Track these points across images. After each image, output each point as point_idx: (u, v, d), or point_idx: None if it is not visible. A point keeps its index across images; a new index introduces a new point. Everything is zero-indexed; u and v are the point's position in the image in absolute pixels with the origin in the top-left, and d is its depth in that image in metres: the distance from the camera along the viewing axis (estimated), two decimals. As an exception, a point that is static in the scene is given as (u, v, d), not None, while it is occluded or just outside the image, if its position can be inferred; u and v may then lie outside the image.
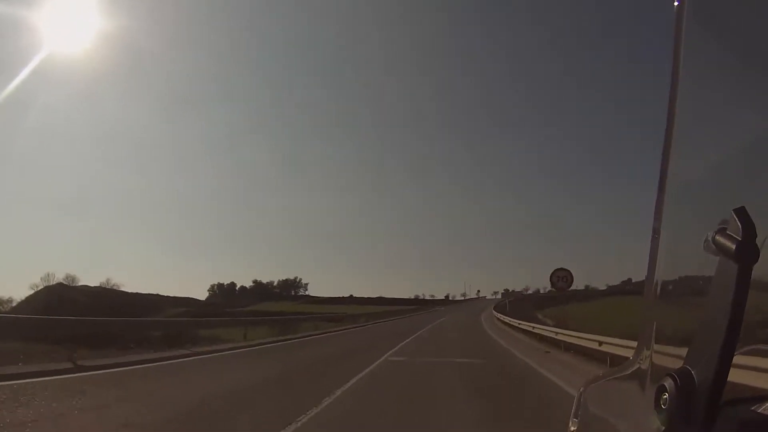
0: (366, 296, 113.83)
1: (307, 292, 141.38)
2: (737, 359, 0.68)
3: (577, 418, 1.06)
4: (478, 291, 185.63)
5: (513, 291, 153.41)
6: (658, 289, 0.85)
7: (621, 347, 10.23)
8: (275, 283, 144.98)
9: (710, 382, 0.66)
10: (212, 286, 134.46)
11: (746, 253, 0.63)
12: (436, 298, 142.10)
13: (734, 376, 0.67)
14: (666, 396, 0.71)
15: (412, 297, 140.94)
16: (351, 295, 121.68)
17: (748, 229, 0.64)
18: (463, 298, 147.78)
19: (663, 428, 0.72)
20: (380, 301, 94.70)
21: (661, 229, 0.85)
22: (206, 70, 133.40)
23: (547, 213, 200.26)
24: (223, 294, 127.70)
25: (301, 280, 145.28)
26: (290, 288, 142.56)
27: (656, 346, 0.85)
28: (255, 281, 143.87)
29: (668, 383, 0.71)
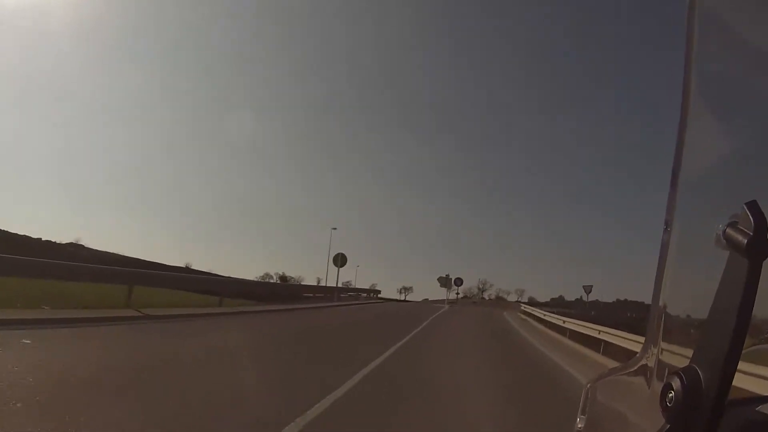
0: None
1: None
2: (745, 358, 0.67)
3: (584, 414, 1.06)
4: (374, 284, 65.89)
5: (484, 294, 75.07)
6: (668, 284, 0.84)
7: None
8: None
9: (717, 381, 0.65)
10: None
11: (757, 247, 0.61)
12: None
13: (741, 375, 0.66)
14: (672, 394, 0.70)
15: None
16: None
17: (760, 223, 0.62)
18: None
19: (668, 426, 0.71)
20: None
21: (672, 223, 0.84)
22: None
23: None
24: None
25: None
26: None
27: (664, 343, 0.83)
28: None
29: (674, 382, 0.70)
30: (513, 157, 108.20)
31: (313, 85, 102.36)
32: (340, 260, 34.46)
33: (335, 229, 42.96)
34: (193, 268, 46.49)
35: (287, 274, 66.25)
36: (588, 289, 35.15)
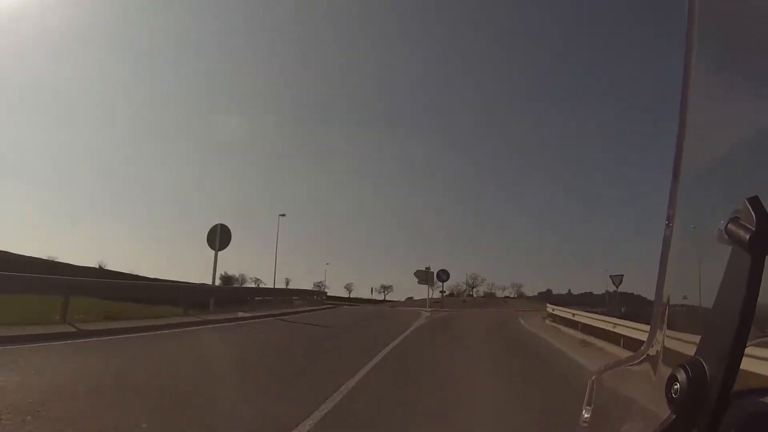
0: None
1: None
2: (749, 351, 0.68)
3: (590, 406, 1.07)
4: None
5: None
6: (671, 278, 0.85)
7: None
8: None
9: (721, 373, 0.66)
10: None
11: (759, 243, 0.62)
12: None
13: (746, 367, 0.67)
14: (677, 386, 0.71)
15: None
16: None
17: (762, 218, 0.63)
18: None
19: (674, 417, 0.72)
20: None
21: (675, 217, 0.85)
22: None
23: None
24: None
25: None
26: None
27: (669, 334, 0.85)
28: None
29: (679, 374, 0.71)
30: (501, 150, 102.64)
31: (297, 81, 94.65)
32: (218, 237, 18.94)
33: (283, 215, 32.80)
34: (107, 268, 38.91)
35: (258, 276, 57.09)
36: (618, 280, 26.43)
